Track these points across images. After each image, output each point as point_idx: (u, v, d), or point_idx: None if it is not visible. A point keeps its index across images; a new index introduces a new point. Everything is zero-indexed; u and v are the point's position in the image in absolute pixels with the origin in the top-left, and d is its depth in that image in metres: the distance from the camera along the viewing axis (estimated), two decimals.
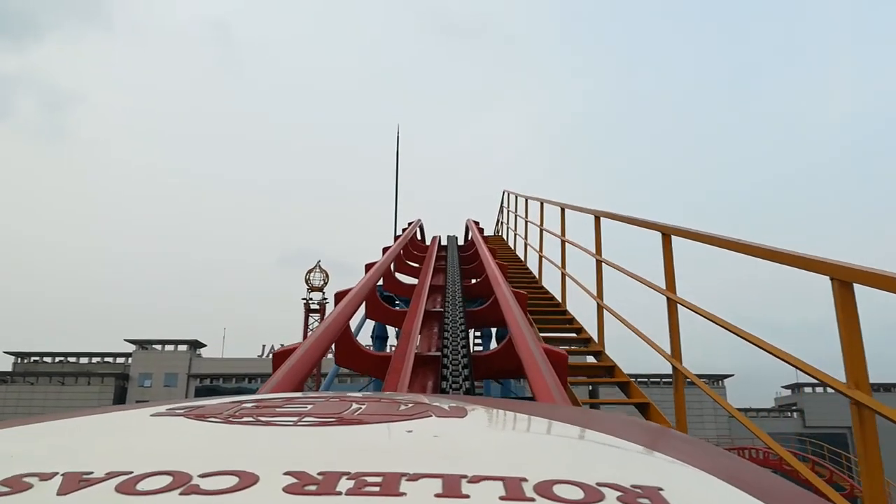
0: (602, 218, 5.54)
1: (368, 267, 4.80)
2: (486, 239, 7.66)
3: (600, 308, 5.29)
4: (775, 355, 2.74)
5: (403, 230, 8.66)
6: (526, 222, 9.85)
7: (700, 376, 4.20)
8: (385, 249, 6.96)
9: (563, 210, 7.02)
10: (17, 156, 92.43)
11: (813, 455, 23.82)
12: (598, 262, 5.43)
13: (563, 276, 6.83)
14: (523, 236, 10.04)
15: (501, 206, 14.49)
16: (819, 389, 37.64)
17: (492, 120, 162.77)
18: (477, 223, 9.54)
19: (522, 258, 10.09)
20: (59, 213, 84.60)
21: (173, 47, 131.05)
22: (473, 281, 6.28)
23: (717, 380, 37.06)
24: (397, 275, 6.40)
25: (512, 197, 12.17)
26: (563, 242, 6.87)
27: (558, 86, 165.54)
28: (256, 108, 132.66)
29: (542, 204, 8.57)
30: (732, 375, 38.27)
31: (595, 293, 5.39)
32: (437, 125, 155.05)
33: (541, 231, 8.35)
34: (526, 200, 9.99)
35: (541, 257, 8.29)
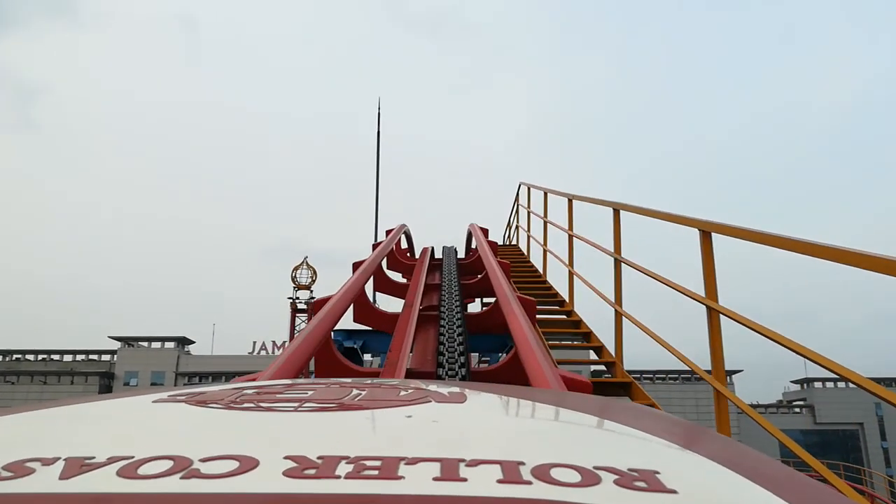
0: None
1: (320, 303, 3.17)
2: (505, 267, 4.77)
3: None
4: (775, 340, 2.78)
5: (375, 246, 5.83)
6: (571, 238, 6.51)
7: (708, 372, 3.58)
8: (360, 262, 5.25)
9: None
10: None
11: (823, 460, 22.50)
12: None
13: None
14: (566, 262, 6.65)
15: (516, 206, 11.58)
16: (830, 384, 36.29)
17: (471, 115, 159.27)
18: (485, 231, 7.60)
19: (565, 297, 6.80)
20: (38, 208, 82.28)
21: (142, 39, 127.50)
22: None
23: (725, 375, 35.75)
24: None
25: (537, 193, 8.79)
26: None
27: (531, 76, 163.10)
28: (230, 100, 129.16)
29: (616, 213, 5.05)
30: (741, 371, 37.04)
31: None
32: (418, 123, 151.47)
33: (617, 263, 4.94)
34: (570, 202, 6.67)
35: (619, 315, 4.89)
